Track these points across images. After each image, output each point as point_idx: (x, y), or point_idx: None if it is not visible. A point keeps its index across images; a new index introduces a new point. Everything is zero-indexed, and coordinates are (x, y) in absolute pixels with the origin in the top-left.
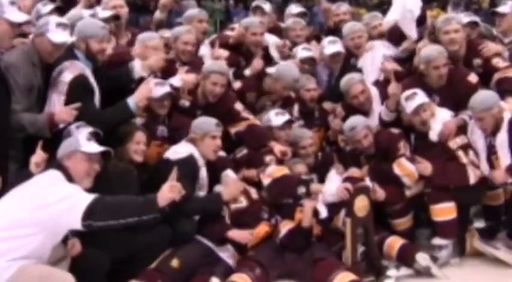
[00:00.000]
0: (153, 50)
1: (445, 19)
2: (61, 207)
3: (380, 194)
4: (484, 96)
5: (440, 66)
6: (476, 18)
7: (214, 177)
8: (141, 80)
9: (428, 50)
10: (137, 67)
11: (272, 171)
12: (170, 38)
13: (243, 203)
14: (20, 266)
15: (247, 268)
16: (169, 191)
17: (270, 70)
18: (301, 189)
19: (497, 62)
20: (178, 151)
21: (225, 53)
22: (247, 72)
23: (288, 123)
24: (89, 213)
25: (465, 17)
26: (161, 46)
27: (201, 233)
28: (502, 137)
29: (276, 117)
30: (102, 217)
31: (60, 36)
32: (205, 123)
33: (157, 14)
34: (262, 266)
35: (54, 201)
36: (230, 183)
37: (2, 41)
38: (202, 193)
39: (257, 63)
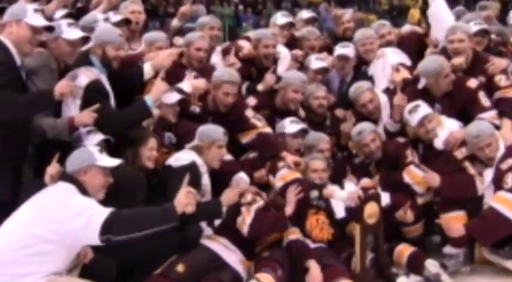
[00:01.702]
0: (158, 49)
1: (452, 28)
2: (78, 222)
3: (409, 216)
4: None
5: (449, 73)
6: (485, 26)
7: (223, 182)
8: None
9: (430, 64)
10: (147, 68)
11: (284, 175)
12: (183, 44)
13: (261, 202)
14: (48, 280)
15: (269, 268)
16: (185, 197)
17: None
18: (314, 193)
19: (500, 79)
20: (181, 158)
21: (237, 64)
22: (260, 87)
23: (302, 132)
24: (107, 228)
25: (475, 26)
26: (166, 46)
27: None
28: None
29: (290, 125)
30: (122, 231)
31: (74, 34)
32: (213, 131)
33: (175, 22)
34: (283, 267)
35: (70, 216)
36: (228, 190)
37: (22, 45)
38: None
39: (270, 78)
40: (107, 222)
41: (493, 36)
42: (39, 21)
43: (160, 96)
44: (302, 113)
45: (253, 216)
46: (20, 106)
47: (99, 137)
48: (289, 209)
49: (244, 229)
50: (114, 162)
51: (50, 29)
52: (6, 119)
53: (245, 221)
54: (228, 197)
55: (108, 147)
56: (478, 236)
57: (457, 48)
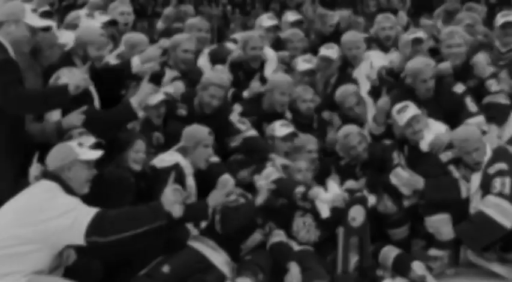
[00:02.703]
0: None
1: (449, 32)
2: (62, 223)
3: (391, 207)
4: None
5: (428, 79)
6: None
7: (209, 184)
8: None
9: (415, 63)
10: (135, 61)
11: (268, 173)
12: (169, 45)
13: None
14: (28, 280)
15: (250, 272)
16: (172, 195)
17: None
18: (299, 189)
19: (491, 84)
20: (164, 159)
21: (224, 71)
22: (246, 94)
23: (291, 136)
24: (93, 230)
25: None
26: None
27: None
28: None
29: (280, 128)
30: (109, 232)
31: (37, 21)
32: (198, 132)
33: (160, 24)
34: (264, 270)
35: (54, 216)
36: (214, 191)
37: (20, 45)
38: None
39: (255, 85)
40: (92, 224)
41: (479, 37)
42: (38, 22)
43: (145, 98)
44: (289, 115)
45: (221, 213)
46: (32, 101)
47: (91, 139)
48: (259, 199)
49: (217, 227)
50: (96, 154)
51: (47, 29)
52: (18, 114)
53: (216, 219)
54: (214, 198)
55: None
56: (467, 239)
57: (455, 53)
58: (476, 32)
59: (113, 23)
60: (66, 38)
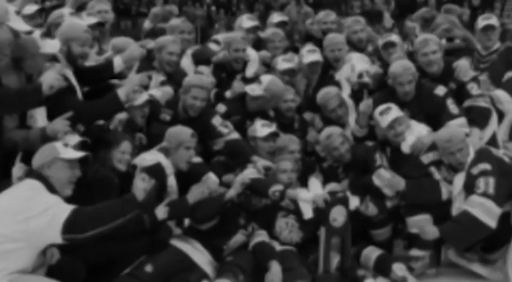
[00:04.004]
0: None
1: (423, 40)
2: (42, 221)
3: (372, 209)
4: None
5: (405, 83)
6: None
7: (191, 184)
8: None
9: (395, 66)
10: (117, 61)
11: (247, 173)
12: (154, 47)
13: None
14: (11, 279)
15: (231, 274)
16: (141, 182)
17: (254, 90)
18: (277, 191)
19: (472, 87)
20: (146, 159)
21: (206, 71)
22: (228, 94)
23: (273, 136)
24: (69, 227)
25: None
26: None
27: None
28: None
29: (261, 129)
30: (86, 228)
31: (22, 25)
32: (181, 133)
33: (147, 24)
34: (245, 271)
35: (35, 215)
36: (194, 187)
37: (2, 48)
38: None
39: (238, 85)
40: (68, 221)
41: (457, 41)
42: (22, 26)
43: (133, 89)
44: (271, 112)
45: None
46: (6, 100)
47: (76, 138)
48: (231, 191)
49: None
50: (78, 154)
51: (30, 32)
52: None
53: None
54: (194, 193)
55: (86, 149)
56: (451, 239)
57: (432, 60)
58: (455, 36)
59: (100, 24)
60: (50, 47)
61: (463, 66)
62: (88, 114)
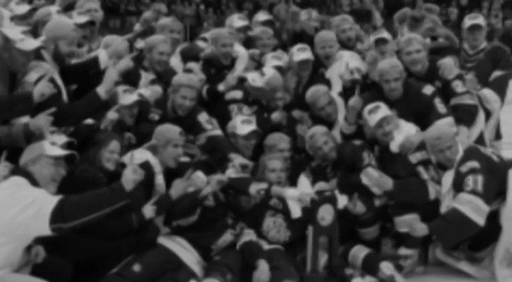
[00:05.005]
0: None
1: (407, 40)
2: (28, 213)
3: (359, 207)
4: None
5: (391, 80)
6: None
7: None
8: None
9: (382, 63)
10: (103, 57)
11: (228, 172)
12: (144, 47)
13: (210, 201)
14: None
15: (218, 273)
16: (132, 173)
17: (255, 81)
18: (260, 190)
19: (456, 85)
20: (134, 157)
21: (196, 68)
22: (221, 87)
23: (254, 134)
24: (57, 216)
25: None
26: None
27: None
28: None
29: (242, 126)
30: (73, 217)
31: (28, 44)
32: (169, 131)
33: (138, 27)
34: (233, 271)
35: (20, 209)
36: (177, 182)
37: None
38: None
39: (231, 78)
40: (56, 210)
41: (440, 40)
42: (15, 33)
43: (112, 85)
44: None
45: None
46: None
47: (63, 139)
48: (208, 188)
49: None
50: (63, 152)
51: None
52: None
53: None
54: (177, 188)
55: (72, 149)
56: (440, 236)
57: (416, 59)
58: (438, 35)
59: (91, 23)
60: (26, 44)
61: (448, 64)
62: (71, 116)
